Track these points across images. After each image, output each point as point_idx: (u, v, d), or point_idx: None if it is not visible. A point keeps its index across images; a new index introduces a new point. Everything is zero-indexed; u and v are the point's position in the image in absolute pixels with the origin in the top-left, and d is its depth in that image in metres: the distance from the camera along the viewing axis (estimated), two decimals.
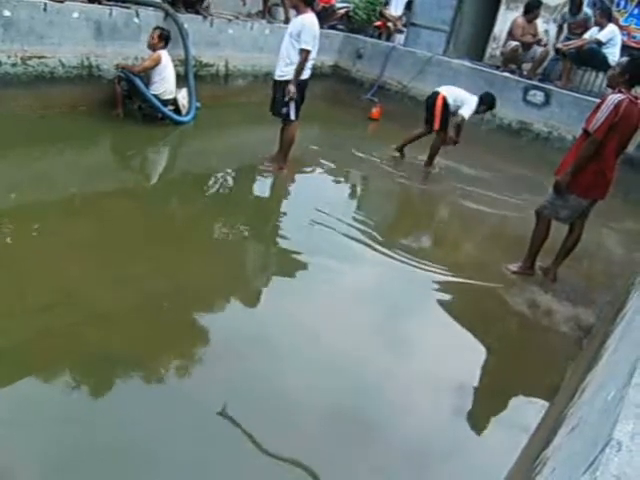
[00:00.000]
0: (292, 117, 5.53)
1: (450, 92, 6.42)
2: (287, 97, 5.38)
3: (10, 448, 2.29)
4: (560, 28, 8.78)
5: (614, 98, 3.87)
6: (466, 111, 6.31)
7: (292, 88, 5.32)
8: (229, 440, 2.56)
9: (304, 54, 5.23)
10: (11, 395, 2.57)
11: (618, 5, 8.73)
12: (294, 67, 5.28)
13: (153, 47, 6.30)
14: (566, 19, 8.56)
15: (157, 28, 6.35)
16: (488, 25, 9.70)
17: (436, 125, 6.40)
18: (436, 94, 6.41)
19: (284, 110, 5.49)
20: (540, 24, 8.69)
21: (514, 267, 4.56)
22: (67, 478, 2.26)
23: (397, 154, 6.92)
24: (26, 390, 2.61)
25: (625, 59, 4.18)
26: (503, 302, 4.15)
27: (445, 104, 6.32)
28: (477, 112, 6.45)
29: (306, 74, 5.40)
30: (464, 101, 6.36)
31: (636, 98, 3.99)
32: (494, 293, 4.25)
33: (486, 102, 6.42)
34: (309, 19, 5.26)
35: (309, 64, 5.37)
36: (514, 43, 8.41)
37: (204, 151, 6.54)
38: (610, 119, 3.86)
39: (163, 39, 6.33)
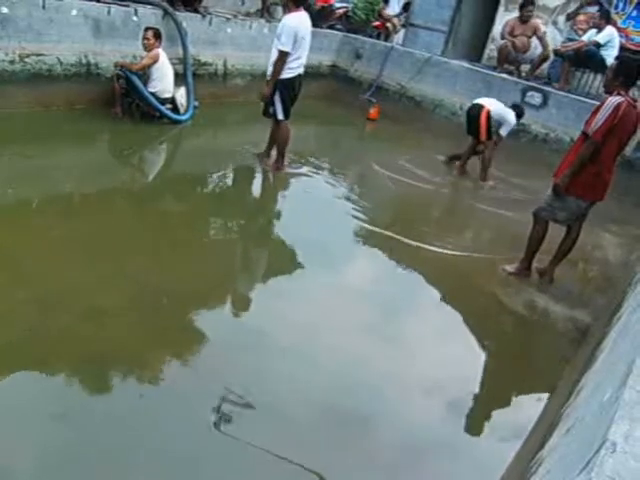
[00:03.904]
0: (280, 116, 5.54)
1: (491, 104, 6.45)
2: (260, 97, 5.50)
3: (4, 445, 2.28)
4: (568, 18, 8.84)
5: (613, 100, 3.88)
6: (505, 130, 6.39)
7: (265, 90, 5.41)
8: (225, 438, 2.56)
9: (280, 55, 5.23)
10: (5, 392, 2.56)
11: (617, 7, 8.74)
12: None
13: (150, 47, 6.29)
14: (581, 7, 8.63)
15: (149, 28, 6.32)
16: (487, 26, 9.71)
17: (483, 135, 6.41)
18: (479, 107, 6.42)
19: (271, 109, 5.52)
20: (541, 25, 8.72)
21: (511, 268, 4.56)
22: (61, 476, 2.26)
23: (459, 172, 6.84)
24: (20, 387, 2.61)
25: (614, 63, 4.19)
26: (500, 303, 4.16)
27: (489, 116, 6.36)
28: None
29: (292, 73, 5.38)
30: (504, 117, 6.39)
31: (634, 101, 4.00)
32: (491, 294, 4.26)
33: (520, 115, 6.54)
34: (290, 19, 5.24)
35: (296, 63, 5.36)
36: (502, 41, 8.58)
37: (202, 150, 6.53)
38: (609, 121, 3.87)
39: (158, 37, 6.33)
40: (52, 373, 2.75)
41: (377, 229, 4.91)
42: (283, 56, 5.24)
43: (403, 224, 5.34)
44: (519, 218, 5.42)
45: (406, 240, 4.74)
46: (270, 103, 5.48)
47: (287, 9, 5.39)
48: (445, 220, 5.93)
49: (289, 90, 5.48)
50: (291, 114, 5.60)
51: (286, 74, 5.37)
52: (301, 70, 5.50)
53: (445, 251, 4.51)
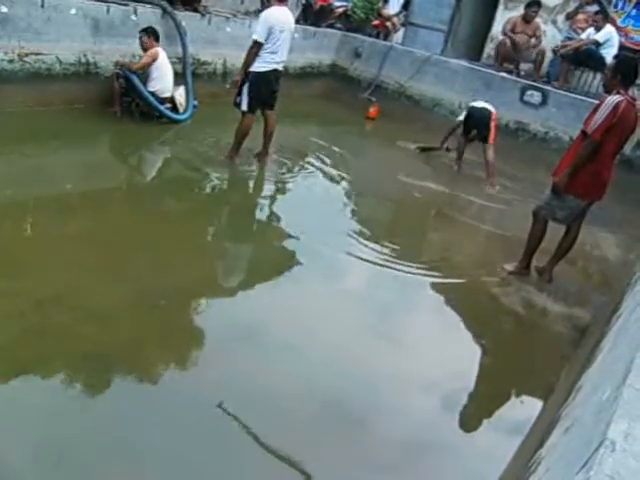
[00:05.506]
0: (243, 108, 5.54)
1: (492, 108, 6.57)
2: (228, 84, 5.61)
3: (4, 444, 2.28)
4: (568, 17, 8.84)
5: (613, 99, 3.88)
6: None
7: (236, 77, 5.49)
8: (223, 437, 2.56)
9: (252, 44, 5.28)
10: (5, 391, 2.56)
11: (616, 6, 8.75)
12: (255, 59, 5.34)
13: (147, 47, 6.30)
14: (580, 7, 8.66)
15: (143, 30, 6.32)
16: (486, 25, 9.71)
17: (492, 139, 6.49)
18: (488, 113, 6.49)
19: (237, 99, 5.55)
20: (541, 24, 8.72)
21: (510, 267, 4.56)
22: (60, 474, 2.27)
23: (456, 164, 6.98)
24: (19, 387, 2.61)
25: (613, 62, 4.20)
26: (498, 302, 4.16)
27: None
28: None
29: (266, 67, 5.37)
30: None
31: (633, 99, 4.00)
32: (490, 293, 4.25)
33: None
34: (270, 12, 5.29)
35: (270, 57, 5.35)
36: (501, 37, 8.62)
37: (201, 149, 6.52)
38: (609, 120, 3.86)
39: (154, 37, 6.33)
40: (51, 372, 2.74)
41: (370, 243, 4.89)
42: (254, 45, 5.27)
43: (396, 234, 5.35)
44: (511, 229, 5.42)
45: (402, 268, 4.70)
46: (238, 93, 5.50)
47: (268, 2, 5.45)
48: (442, 234, 5.91)
49: (260, 85, 5.44)
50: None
51: (259, 67, 5.36)
52: (278, 66, 5.48)
53: (442, 280, 4.46)
